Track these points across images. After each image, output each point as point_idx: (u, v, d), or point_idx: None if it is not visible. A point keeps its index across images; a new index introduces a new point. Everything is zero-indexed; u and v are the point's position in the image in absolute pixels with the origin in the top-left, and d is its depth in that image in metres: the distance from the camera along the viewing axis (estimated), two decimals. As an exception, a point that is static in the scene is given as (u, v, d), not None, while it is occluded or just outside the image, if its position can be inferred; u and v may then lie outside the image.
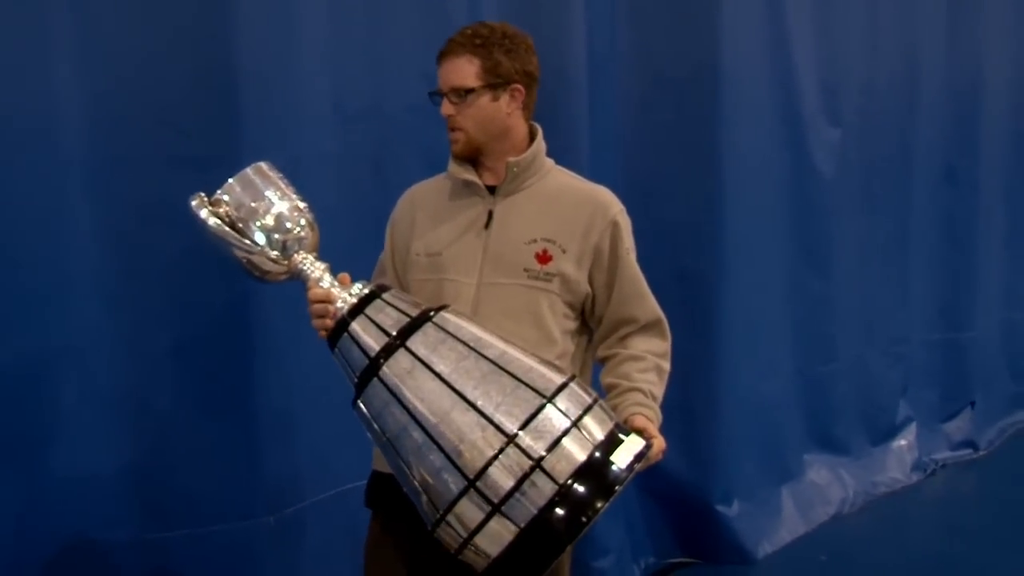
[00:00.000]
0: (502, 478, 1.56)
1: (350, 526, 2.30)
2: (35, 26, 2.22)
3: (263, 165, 1.83)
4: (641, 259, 2.02)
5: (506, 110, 1.98)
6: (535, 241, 1.96)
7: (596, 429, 1.63)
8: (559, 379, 1.68)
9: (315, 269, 1.80)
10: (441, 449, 1.60)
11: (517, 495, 1.55)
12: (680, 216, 3.41)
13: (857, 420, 4.28)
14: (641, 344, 2.01)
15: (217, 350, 2.49)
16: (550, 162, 2.06)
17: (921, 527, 4.06)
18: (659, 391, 1.96)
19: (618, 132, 3.31)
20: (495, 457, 1.57)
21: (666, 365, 2.02)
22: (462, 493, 1.58)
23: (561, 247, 1.96)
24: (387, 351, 1.68)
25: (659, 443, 1.80)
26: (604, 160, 3.10)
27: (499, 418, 1.59)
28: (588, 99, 3.08)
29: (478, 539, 1.58)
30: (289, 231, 1.79)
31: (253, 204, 1.78)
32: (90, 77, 2.29)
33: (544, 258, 1.96)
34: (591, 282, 2.00)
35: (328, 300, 1.78)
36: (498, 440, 1.57)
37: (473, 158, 2.01)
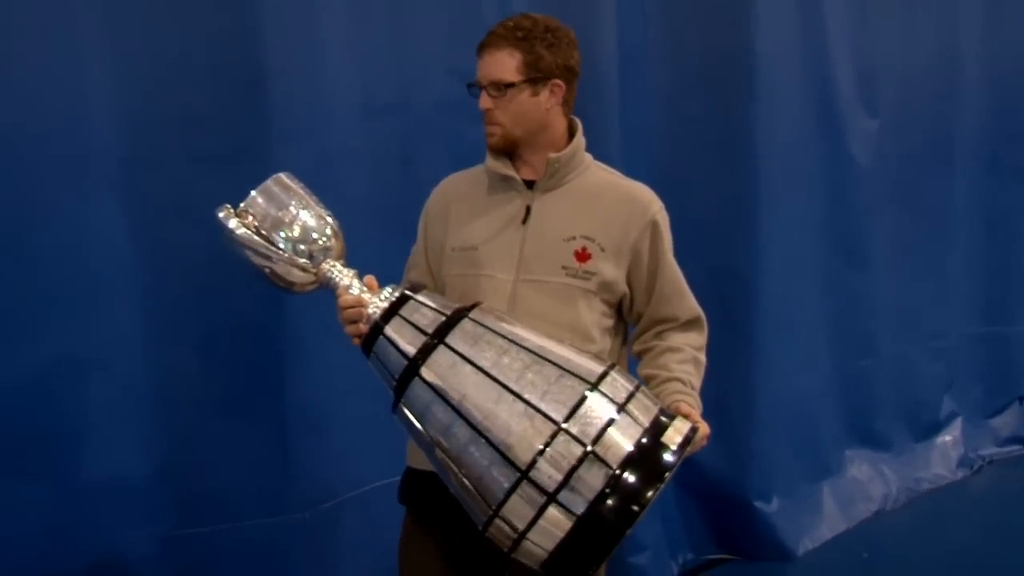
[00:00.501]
0: (554, 467, 1.55)
1: (384, 522, 2.30)
2: (64, 25, 2.25)
3: (283, 176, 1.83)
4: (676, 254, 2.01)
5: (545, 105, 1.96)
6: (574, 238, 1.94)
7: (641, 415, 1.63)
8: (600, 367, 1.68)
9: (344, 276, 1.79)
10: (489, 443, 1.59)
11: (571, 483, 1.54)
12: (713, 210, 3.39)
13: (898, 415, 4.22)
14: (679, 338, 1.99)
15: (248, 346, 2.51)
16: (589, 157, 2.04)
17: (967, 524, 3.97)
18: (697, 382, 1.95)
19: (649, 126, 3.29)
20: (545, 447, 1.56)
21: (703, 358, 2.00)
22: (515, 486, 1.57)
23: (600, 245, 1.94)
24: (426, 350, 1.67)
25: (703, 428, 1.78)
26: (635, 154, 3.08)
27: (546, 407, 1.58)
28: (619, 93, 3.06)
29: (534, 532, 1.57)
30: (315, 241, 1.79)
31: (278, 215, 1.78)
32: (117, 76, 2.31)
33: (583, 256, 1.94)
34: (629, 281, 1.98)
35: (360, 306, 1.77)
36: (547, 429, 1.57)
37: (509, 152, 1.99)
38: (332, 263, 1.80)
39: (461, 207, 2.04)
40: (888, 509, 3.99)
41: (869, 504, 3.94)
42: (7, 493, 2.22)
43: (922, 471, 4.24)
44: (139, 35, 2.34)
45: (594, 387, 1.62)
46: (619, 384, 1.66)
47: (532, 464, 1.56)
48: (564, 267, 1.93)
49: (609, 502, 1.53)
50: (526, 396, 1.60)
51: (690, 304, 2.03)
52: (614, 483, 1.54)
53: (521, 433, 1.57)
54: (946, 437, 4.44)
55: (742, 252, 3.44)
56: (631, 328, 2.05)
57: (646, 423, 1.61)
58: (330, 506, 2.64)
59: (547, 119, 1.97)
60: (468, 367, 1.64)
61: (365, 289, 1.79)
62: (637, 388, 1.68)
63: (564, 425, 1.57)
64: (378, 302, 1.75)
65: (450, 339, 1.67)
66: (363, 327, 1.75)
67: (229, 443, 2.49)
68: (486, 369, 1.63)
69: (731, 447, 3.40)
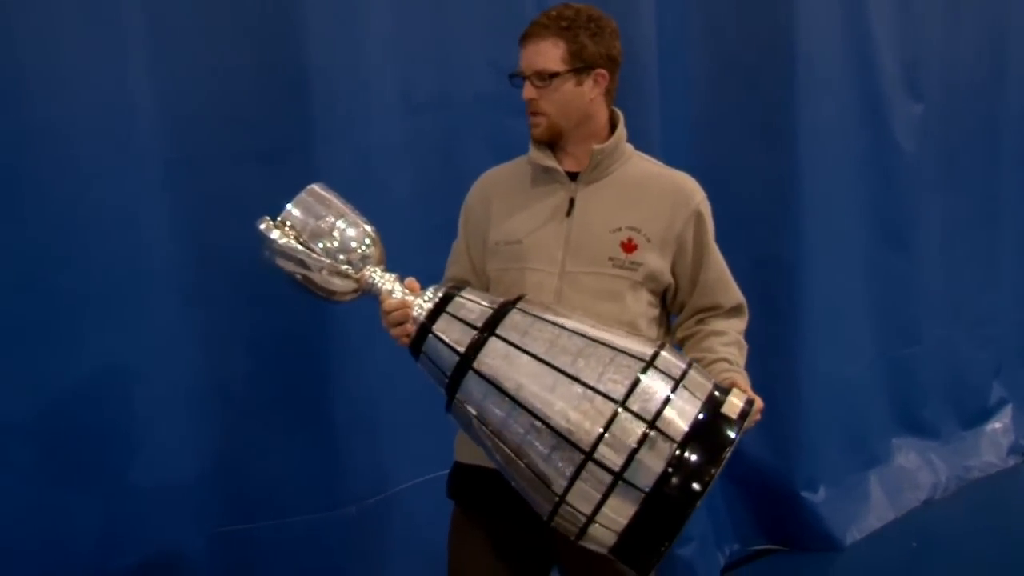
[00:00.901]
0: (617, 447, 1.56)
1: (432, 517, 2.31)
2: (109, 26, 2.27)
3: (317, 187, 1.85)
4: (718, 243, 2.00)
5: (589, 95, 1.96)
6: (620, 230, 1.94)
7: (697, 390, 1.63)
8: (651, 347, 1.69)
9: (385, 281, 1.81)
10: (550, 428, 1.60)
11: (635, 461, 1.54)
12: (756, 199, 3.37)
13: (946, 403, 4.18)
14: (722, 323, 2.00)
15: (295, 345, 2.53)
16: (630, 148, 2.04)
17: (1018, 512, 3.95)
18: (742, 363, 1.96)
19: (689, 116, 3.28)
20: (607, 427, 1.56)
21: (745, 343, 2.01)
22: (579, 469, 1.57)
23: (646, 236, 1.94)
24: (477, 343, 1.69)
25: (758, 401, 1.78)
26: (676, 144, 3.07)
27: (604, 388, 1.59)
28: (659, 82, 3.05)
29: (601, 515, 1.57)
30: (354, 249, 1.81)
31: (316, 225, 1.80)
32: (162, 78, 2.34)
33: (629, 247, 1.94)
34: (673, 271, 1.99)
35: (404, 308, 1.78)
36: (608, 409, 1.57)
37: (553, 143, 1.99)
38: (373, 269, 1.81)
39: (503, 201, 2.05)
40: (937, 498, 3.96)
41: (918, 493, 3.92)
42: (61, 495, 2.25)
43: (972, 459, 4.20)
44: (182, 37, 2.36)
45: (648, 366, 1.63)
46: (672, 362, 1.66)
47: (595, 445, 1.56)
48: (611, 258, 1.93)
49: (674, 479, 1.54)
50: (583, 379, 1.61)
51: (734, 292, 2.04)
52: (678, 459, 1.55)
53: (581, 416, 1.58)
54: (996, 424, 4.39)
55: (786, 241, 3.42)
56: (673, 317, 2.06)
57: (703, 398, 1.62)
58: (377, 501, 2.66)
59: (591, 109, 1.97)
60: (522, 356, 1.65)
61: (408, 292, 1.80)
62: (690, 365, 1.69)
63: (627, 401, 1.58)
64: (422, 303, 1.77)
65: (500, 330, 1.69)
66: (410, 328, 1.77)
67: (278, 439, 2.52)
68: (540, 356, 1.65)
69: (777, 437, 3.39)
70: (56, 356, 2.24)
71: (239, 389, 2.50)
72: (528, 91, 1.96)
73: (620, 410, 1.57)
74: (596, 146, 1.97)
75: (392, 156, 2.65)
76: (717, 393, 1.65)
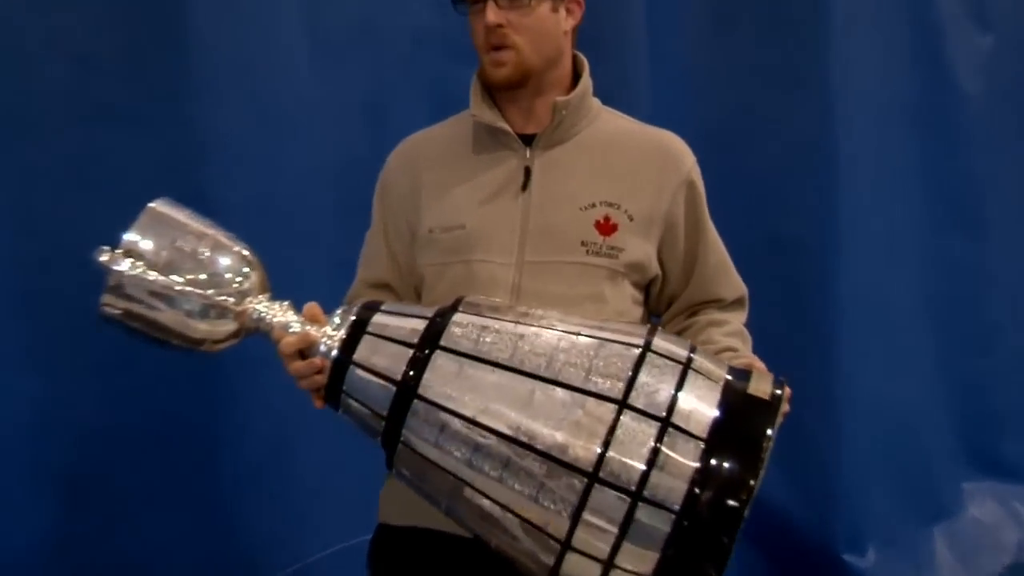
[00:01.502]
0: (631, 456, 1.58)
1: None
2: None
3: (159, 206, 1.85)
4: (722, 224, 2.14)
5: (563, 27, 2.08)
6: (593, 206, 2.04)
7: (711, 373, 1.69)
8: (640, 331, 1.77)
9: (276, 313, 1.85)
10: (536, 452, 1.62)
11: (656, 471, 1.57)
12: (773, 165, 3.49)
13: (1035, 434, 4.20)
14: (721, 314, 2.13)
15: (178, 392, 2.66)
16: (597, 102, 2.17)
17: None
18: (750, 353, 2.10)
19: (686, 61, 3.37)
20: (611, 433, 1.60)
21: (748, 336, 2.16)
22: (585, 496, 1.59)
23: (627, 213, 2.05)
24: (417, 362, 1.73)
25: (786, 389, 1.80)
26: (668, 98, 3.18)
27: (595, 386, 1.64)
28: (646, 20, 3.13)
29: (624, 555, 1.58)
30: (228, 281, 1.83)
31: (172, 254, 1.81)
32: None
33: (607, 227, 2.04)
34: (661, 258, 2.11)
35: (308, 345, 1.81)
36: (607, 411, 1.61)
37: (515, 88, 2.07)
38: (256, 300, 1.85)
39: (436, 173, 2.14)
40: (1026, 561, 4.00)
41: (1000, 554, 3.99)
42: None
43: (1069, 508, 4.22)
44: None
45: (644, 352, 1.68)
46: (670, 346, 1.72)
47: (600, 462, 1.59)
48: (584, 243, 2.03)
49: (711, 485, 1.56)
50: (566, 381, 1.65)
51: (735, 281, 2.20)
52: (709, 458, 1.58)
53: (574, 428, 1.62)
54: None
55: (812, 218, 3.51)
56: (654, 318, 2.19)
57: (719, 382, 1.67)
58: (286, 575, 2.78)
59: (562, 45, 2.09)
60: (480, 368, 1.70)
61: (309, 323, 1.84)
62: (693, 349, 1.74)
63: (628, 397, 1.62)
64: (330, 333, 1.81)
65: (445, 341, 1.74)
66: (320, 378, 1.80)
67: (157, 508, 2.65)
68: (504, 363, 1.69)
69: (810, 481, 3.47)
70: None
71: (104, 450, 2.62)
72: (493, 13, 2.02)
73: (623, 408, 1.61)
74: (559, 99, 2.08)
75: (296, 116, 2.74)
76: (732, 378, 1.70)
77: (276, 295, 1.87)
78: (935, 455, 3.98)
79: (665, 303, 2.17)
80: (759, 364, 1.95)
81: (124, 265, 1.77)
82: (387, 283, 2.18)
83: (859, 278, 3.61)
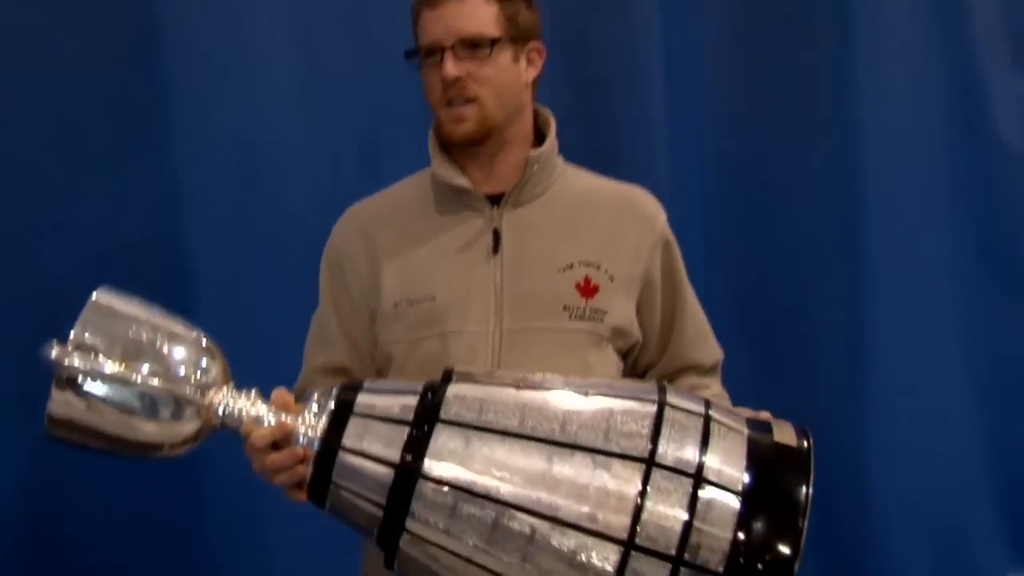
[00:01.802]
0: (666, 518, 1.55)
1: None
2: None
3: (101, 297, 1.76)
4: (728, 263, 2.17)
5: (525, 78, 2.05)
6: (571, 267, 2.01)
7: (733, 421, 1.67)
8: (650, 385, 1.74)
9: (244, 404, 1.75)
10: (563, 524, 1.57)
11: (695, 531, 1.54)
12: (793, 205, 3.39)
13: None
14: (699, 380, 2.10)
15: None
16: (561, 159, 2.14)
17: None
18: None
19: (701, 91, 3.31)
20: (642, 495, 1.56)
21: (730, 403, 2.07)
22: (621, 566, 1.54)
23: (608, 273, 2.02)
24: (418, 440, 1.66)
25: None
26: (682, 132, 3.15)
27: (618, 446, 1.60)
28: (661, 28, 3.11)
29: None
30: (186, 376, 1.73)
31: (123, 349, 1.72)
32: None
33: (588, 289, 2.00)
34: (639, 321, 2.09)
35: (285, 436, 1.72)
36: (634, 473, 1.58)
37: (476, 145, 2.02)
38: (220, 393, 1.75)
39: (395, 242, 2.09)
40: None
41: None
42: None
43: None
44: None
45: (661, 406, 1.65)
46: (687, 398, 1.71)
47: (633, 528, 1.55)
48: (566, 307, 2.00)
49: (755, 542, 1.54)
50: (585, 444, 1.61)
51: (713, 345, 2.17)
52: (749, 514, 1.55)
53: (601, 494, 1.57)
54: None
55: (837, 266, 3.42)
56: None
57: (743, 429, 1.66)
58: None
59: (524, 99, 2.06)
60: (489, 437, 1.64)
61: (282, 412, 1.75)
62: (708, 402, 1.72)
63: (656, 453, 1.58)
64: (310, 420, 1.72)
65: (445, 415, 1.67)
66: (302, 468, 1.71)
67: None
68: (514, 431, 1.64)
69: (833, 567, 3.37)
70: None
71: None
72: (452, 65, 1.98)
73: (652, 466, 1.57)
74: (532, 152, 2.05)
75: (282, 164, 2.75)
76: (754, 430, 1.68)
77: (241, 380, 1.79)
78: (977, 537, 3.81)
79: (641, 370, 2.16)
80: (763, 413, 1.86)
81: (77, 360, 1.68)
82: (344, 367, 2.11)
83: (888, 329, 3.50)
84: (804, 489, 1.57)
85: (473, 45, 1.97)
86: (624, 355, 2.08)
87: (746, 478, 1.58)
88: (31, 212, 2.67)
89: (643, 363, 2.11)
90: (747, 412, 1.85)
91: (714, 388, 2.12)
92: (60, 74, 2.66)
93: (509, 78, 2.02)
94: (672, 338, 2.10)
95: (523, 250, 2.02)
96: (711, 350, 2.17)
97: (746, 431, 1.66)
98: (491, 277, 2.01)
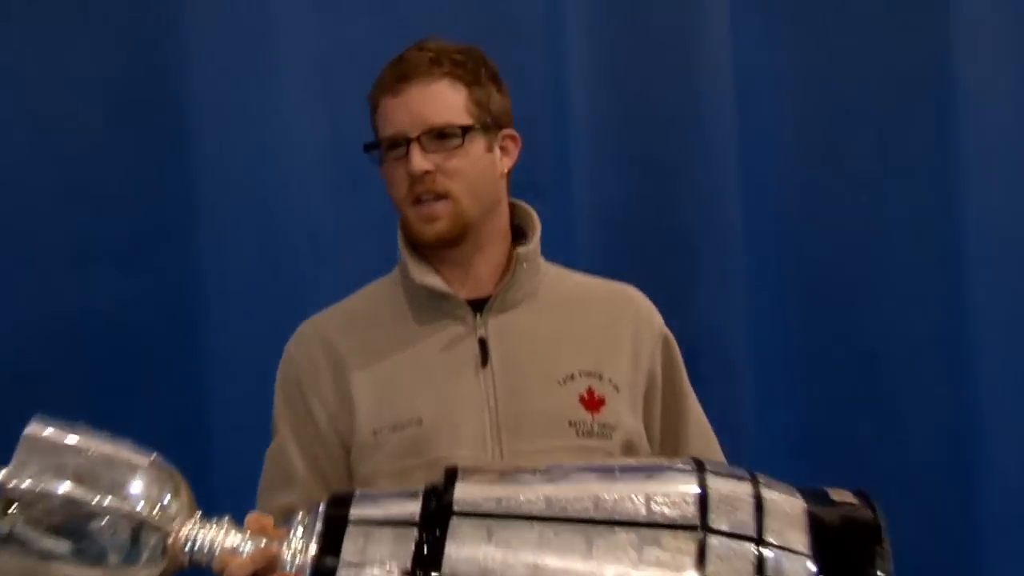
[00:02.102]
0: None
1: None
2: None
3: (35, 430, 1.57)
4: (816, 331, 2.15)
5: (499, 169, 1.93)
6: (572, 377, 1.88)
7: (779, 483, 1.57)
8: (679, 458, 1.66)
9: (216, 535, 1.57)
10: None
11: None
12: (885, 254, 3.24)
13: None
14: None
15: None
16: (542, 258, 2.00)
17: None
18: None
19: (775, 162, 3.23)
20: (702, 561, 1.43)
21: None
22: None
23: (613, 383, 1.90)
24: (433, 540, 1.49)
25: None
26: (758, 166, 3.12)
27: (664, 516, 1.47)
28: (737, 125, 3.08)
29: None
30: (145, 506, 1.53)
31: (70, 487, 1.52)
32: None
33: (593, 402, 1.88)
34: (647, 430, 1.96)
35: (268, 562, 1.52)
36: (688, 542, 1.45)
37: (449, 246, 1.90)
38: (188, 526, 1.56)
39: (365, 356, 1.92)
40: None
41: None
42: None
43: None
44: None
45: (701, 469, 1.55)
46: (721, 465, 1.65)
47: None
48: (572, 423, 1.87)
49: None
50: (626, 518, 1.47)
51: (716, 448, 2.04)
52: (825, 564, 1.44)
53: (655, 567, 1.44)
54: None
55: (942, 317, 3.27)
56: None
57: (793, 490, 1.55)
58: None
59: (500, 192, 1.94)
60: (514, 524, 1.48)
61: (261, 537, 1.57)
62: (750, 469, 1.59)
63: (708, 518, 1.46)
64: (296, 541, 1.54)
65: (460, 506, 1.51)
66: None
67: None
68: (542, 515, 1.49)
69: None
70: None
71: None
72: (419, 159, 1.84)
73: (706, 533, 1.45)
74: (520, 249, 1.93)
75: (312, 245, 2.74)
76: (804, 497, 1.55)
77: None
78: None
79: None
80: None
81: (17, 525, 1.49)
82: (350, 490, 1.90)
83: (999, 383, 3.28)
84: (877, 547, 1.46)
85: (442, 135, 1.85)
86: None
87: (811, 542, 1.45)
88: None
89: None
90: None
91: None
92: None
93: (483, 169, 1.88)
94: (679, 438, 1.99)
95: (516, 361, 1.88)
96: (713, 454, 2.02)
97: (798, 489, 1.55)
98: (483, 394, 1.87)
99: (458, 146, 1.84)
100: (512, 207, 1.98)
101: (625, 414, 1.89)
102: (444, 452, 1.80)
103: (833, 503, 1.54)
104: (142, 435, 1.71)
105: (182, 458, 1.65)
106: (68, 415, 1.63)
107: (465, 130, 1.84)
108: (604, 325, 1.94)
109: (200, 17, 2.71)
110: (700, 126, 3.00)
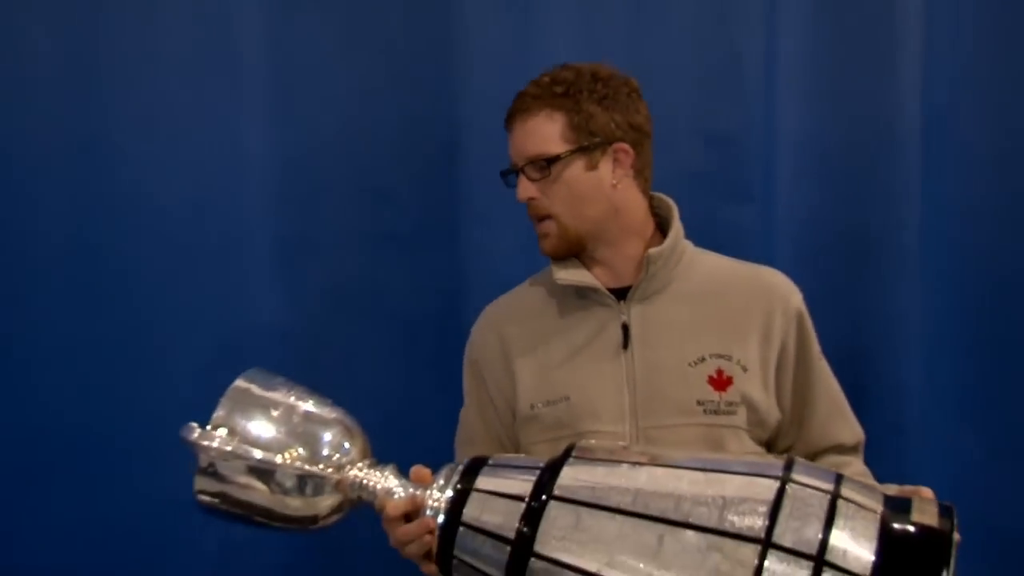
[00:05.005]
0: None
1: None
2: (227, 79, 2.71)
3: (245, 381, 1.84)
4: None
5: (611, 180, 2.02)
6: (703, 360, 1.99)
7: (866, 499, 1.56)
8: (775, 460, 1.69)
9: (380, 479, 1.81)
10: None
11: None
12: None
13: None
14: (840, 458, 2.05)
15: None
16: (689, 244, 2.12)
17: None
18: None
19: (957, 200, 3.16)
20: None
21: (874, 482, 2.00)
22: None
23: (741, 363, 1.99)
24: (531, 515, 1.65)
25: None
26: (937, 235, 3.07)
27: (733, 524, 1.52)
28: (922, 161, 3.03)
29: None
30: (328, 455, 1.80)
31: (264, 435, 1.78)
32: (282, 139, 2.75)
33: (721, 382, 1.97)
34: (779, 401, 2.04)
35: (415, 508, 1.75)
36: (749, 553, 1.49)
37: (568, 256, 2.05)
38: (358, 468, 1.81)
39: (528, 343, 2.09)
40: None
41: None
42: None
43: None
44: (304, 89, 2.77)
45: (784, 482, 1.56)
46: (814, 473, 1.61)
47: None
48: (700, 402, 1.98)
49: None
50: (699, 523, 1.54)
51: (853, 423, 2.12)
52: None
53: (712, 573, 1.50)
54: None
55: None
56: None
57: (877, 508, 1.54)
58: None
59: (617, 199, 2.03)
60: (600, 516, 1.61)
61: (413, 485, 1.80)
62: (839, 478, 1.61)
63: (772, 534, 1.49)
64: (436, 494, 1.76)
65: (560, 491, 1.65)
66: (429, 538, 1.73)
67: None
68: (626, 508, 1.59)
69: None
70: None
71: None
72: (524, 188, 2.02)
73: (768, 547, 1.48)
74: (652, 251, 2.02)
75: None
76: (890, 508, 1.55)
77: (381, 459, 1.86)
78: None
79: (779, 452, 2.08)
80: (926, 492, 1.74)
81: (217, 442, 1.74)
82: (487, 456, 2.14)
83: None
84: (944, 568, 1.43)
85: (537, 165, 1.99)
86: (766, 444, 2.03)
87: (875, 561, 1.44)
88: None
89: (780, 448, 2.04)
90: (893, 489, 1.74)
91: (856, 466, 2.04)
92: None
93: (584, 189, 1.99)
94: (805, 415, 2.04)
95: (653, 345, 1.99)
96: (851, 428, 2.09)
97: (880, 509, 1.53)
98: (622, 375, 2.00)
99: (548, 176, 1.98)
100: (652, 200, 2.10)
101: (753, 391, 1.97)
102: (588, 426, 1.98)
103: (909, 514, 1.53)
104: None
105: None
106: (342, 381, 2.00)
107: (551, 160, 1.98)
108: (738, 309, 2.02)
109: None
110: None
